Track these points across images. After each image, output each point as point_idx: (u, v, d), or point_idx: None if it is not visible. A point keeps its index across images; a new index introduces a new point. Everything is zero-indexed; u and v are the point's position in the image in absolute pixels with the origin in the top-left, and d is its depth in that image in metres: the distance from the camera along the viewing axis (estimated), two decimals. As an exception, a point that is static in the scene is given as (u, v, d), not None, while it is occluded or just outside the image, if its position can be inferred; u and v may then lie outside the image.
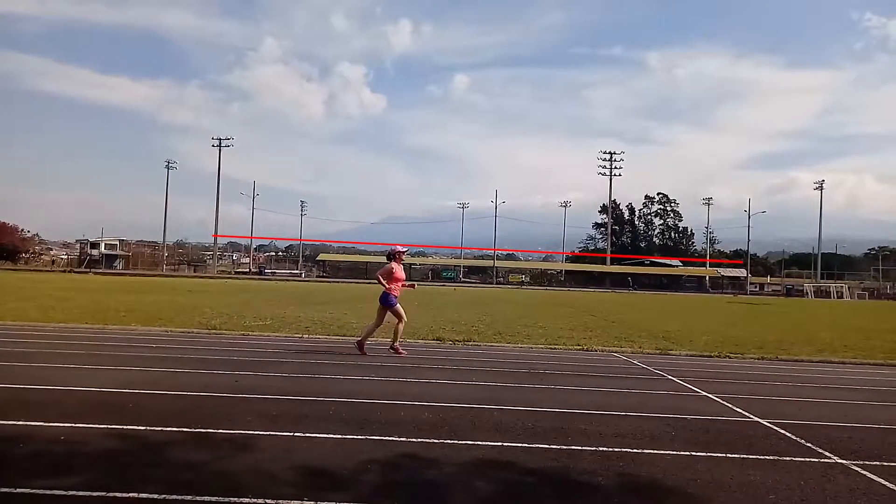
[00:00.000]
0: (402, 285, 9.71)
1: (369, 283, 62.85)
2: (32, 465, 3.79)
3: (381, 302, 9.48)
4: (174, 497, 3.32)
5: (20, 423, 4.67)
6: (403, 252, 9.89)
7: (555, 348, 11.67)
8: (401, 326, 9.61)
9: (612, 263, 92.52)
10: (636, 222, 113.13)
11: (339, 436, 4.68)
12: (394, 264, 9.55)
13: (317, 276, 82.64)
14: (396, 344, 9.58)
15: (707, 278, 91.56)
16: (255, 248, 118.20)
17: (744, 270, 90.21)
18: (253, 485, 3.55)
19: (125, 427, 4.64)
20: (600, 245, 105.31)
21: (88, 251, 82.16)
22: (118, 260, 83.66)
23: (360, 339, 9.70)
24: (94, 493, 3.33)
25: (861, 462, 4.58)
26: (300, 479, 3.70)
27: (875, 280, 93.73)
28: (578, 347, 11.85)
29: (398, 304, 9.44)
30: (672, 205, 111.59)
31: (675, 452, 4.65)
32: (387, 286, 9.40)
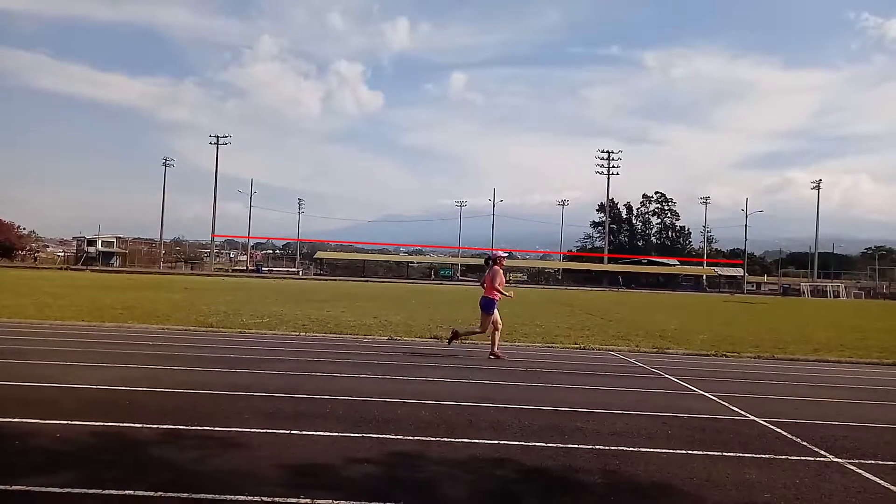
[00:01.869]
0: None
1: (365, 280, 62.78)
2: (28, 462, 3.78)
3: (482, 308, 9.49)
4: (170, 495, 3.31)
5: (16, 420, 4.66)
6: (505, 257, 10.01)
7: (552, 347, 11.68)
8: (497, 335, 9.59)
9: (609, 262, 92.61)
10: (634, 221, 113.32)
11: (336, 434, 4.67)
12: (498, 269, 9.54)
13: (314, 275, 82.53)
14: (498, 350, 9.55)
15: (704, 277, 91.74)
16: (253, 246, 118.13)
17: (741, 270, 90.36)
18: (249, 482, 3.54)
19: (121, 424, 4.63)
20: (598, 244, 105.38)
21: (85, 248, 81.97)
22: (115, 257, 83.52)
23: (491, 351, 9.54)
24: (90, 491, 3.31)
25: (857, 461, 4.58)
26: (296, 478, 3.69)
27: (871, 279, 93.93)
28: (576, 346, 11.86)
29: (496, 311, 9.44)
30: (669, 204, 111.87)
31: (671, 451, 4.65)
32: (502, 291, 9.42)
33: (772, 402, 6.97)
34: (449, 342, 10.09)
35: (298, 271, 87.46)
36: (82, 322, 12.43)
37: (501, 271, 9.60)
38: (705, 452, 4.66)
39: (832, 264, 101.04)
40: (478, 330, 9.73)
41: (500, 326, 9.60)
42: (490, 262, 9.75)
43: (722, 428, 5.53)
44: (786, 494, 3.80)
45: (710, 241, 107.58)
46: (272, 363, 8.07)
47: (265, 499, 3.31)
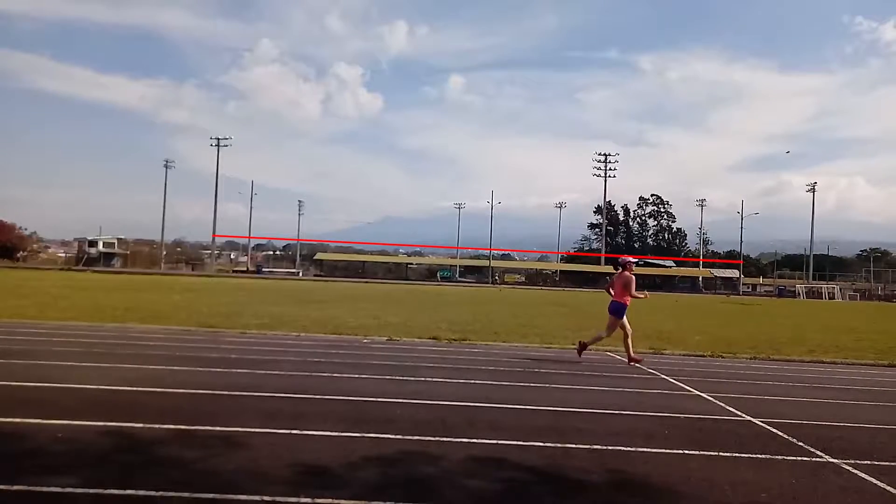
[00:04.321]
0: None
1: (364, 282, 62.77)
2: (30, 462, 3.80)
3: (613, 313, 9.53)
4: (171, 494, 3.33)
5: (18, 420, 4.67)
6: (635, 263, 10.06)
7: (550, 347, 11.70)
8: (629, 340, 9.66)
9: (606, 264, 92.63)
10: (630, 223, 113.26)
11: (336, 433, 4.70)
12: (630, 276, 9.58)
13: (314, 276, 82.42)
14: (635, 355, 9.61)
15: (700, 279, 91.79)
16: (253, 248, 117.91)
17: (737, 271, 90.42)
18: (249, 482, 3.57)
19: (122, 424, 4.65)
20: (595, 245, 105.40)
21: (86, 249, 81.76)
22: (116, 258, 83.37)
23: (629, 358, 9.60)
24: (91, 491, 3.34)
25: (852, 461, 4.62)
26: (296, 477, 3.72)
27: (866, 281, 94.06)
28: (573, 347, 11.86)
29: (625, 318, 9.50)
30: (666, 206, 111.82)
31: (668, 451, 4.68)
32: (638, 295, 9.52)
33: (768, 402, 7.01)
34: (579, 353, 9.98)
35: (298, 272, 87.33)
36: (83, 323, 12.43)
37: (634, 278, 9.62)
38: (702, 453, 4.70)
39: (827, 266, 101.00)
40: (604, 335, 9.81)
41: (629, 331, 9.67)
42: (621, 267, 9.77)
43: (719, 428, 5.57)
44: (782, 495, 3.84)
45: (706, 243, 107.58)
46: (272, 364, 8.09)
47: (266, 498, 3.33)
